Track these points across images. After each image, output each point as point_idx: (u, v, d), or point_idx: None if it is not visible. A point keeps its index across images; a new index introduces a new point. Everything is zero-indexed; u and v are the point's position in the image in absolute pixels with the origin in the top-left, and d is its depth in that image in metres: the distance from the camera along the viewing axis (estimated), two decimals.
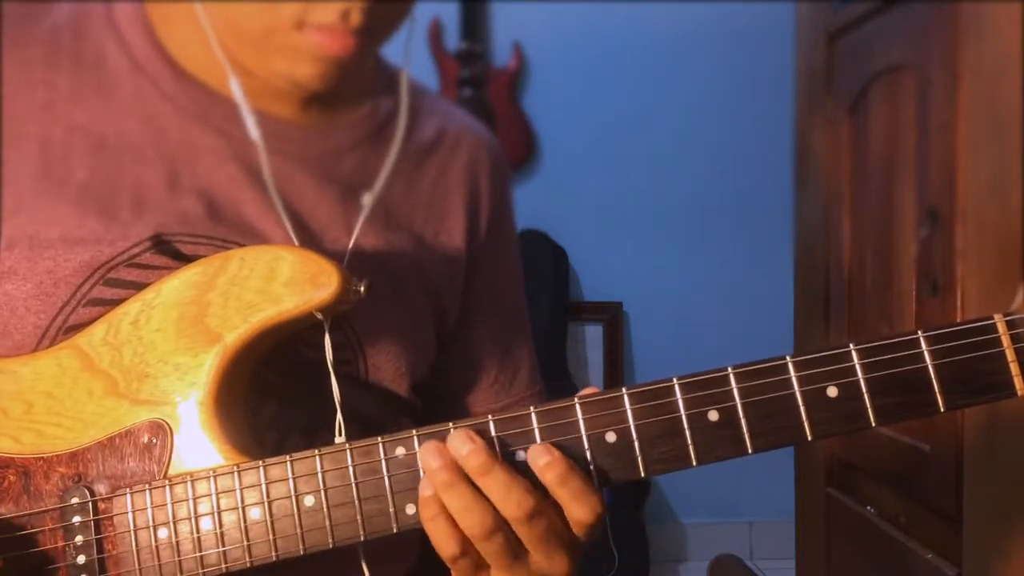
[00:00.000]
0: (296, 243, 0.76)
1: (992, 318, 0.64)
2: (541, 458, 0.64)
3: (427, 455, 0.64)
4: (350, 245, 0.79)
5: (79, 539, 0.67)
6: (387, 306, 0.81)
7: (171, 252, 0.74)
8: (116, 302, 0.72)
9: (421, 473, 0.66)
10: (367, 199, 0.79)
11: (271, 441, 0.76)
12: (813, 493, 1.79)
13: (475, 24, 2.81)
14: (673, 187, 2.88)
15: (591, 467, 0.65)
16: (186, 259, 0.74)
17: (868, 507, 1.60)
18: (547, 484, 0.65)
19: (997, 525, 1.24)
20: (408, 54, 0.81)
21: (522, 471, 0.65)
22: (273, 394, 0.77)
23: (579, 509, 0.65)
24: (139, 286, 0.72)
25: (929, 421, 1.37)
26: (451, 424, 0.66)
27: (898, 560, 1.46)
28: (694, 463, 0.65)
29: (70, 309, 0.72)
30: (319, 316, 0.71)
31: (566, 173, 2.88)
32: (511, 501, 0.64)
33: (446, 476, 0.64)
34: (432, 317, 0.86)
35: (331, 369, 0.73)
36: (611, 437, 0.65)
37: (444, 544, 0.65)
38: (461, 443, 0.64)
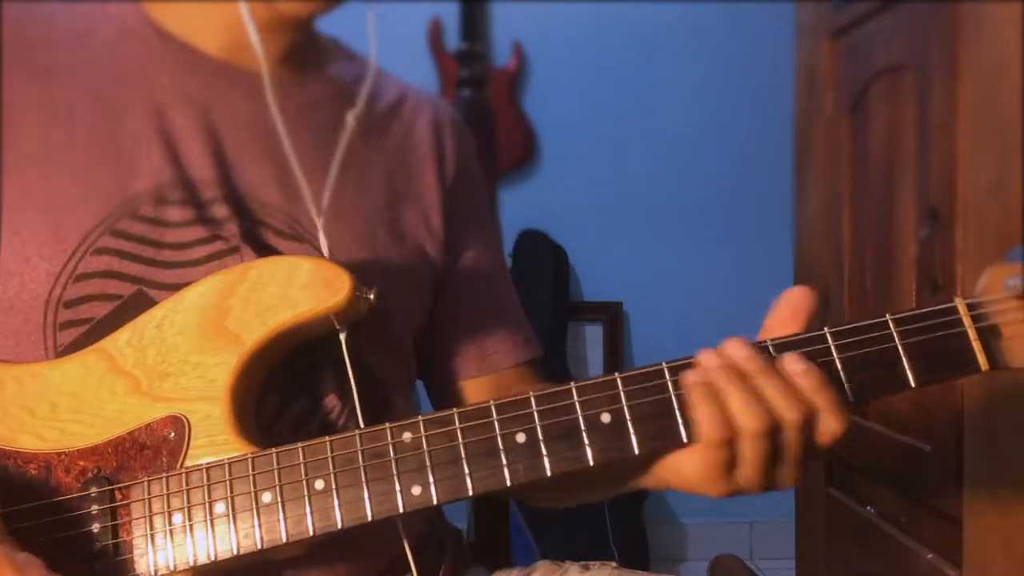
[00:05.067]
0: (296, 168, 0.81)
1: (953, 301, 0.70)
2: (799, 364, 0.67)
3: (706, 356, 0.69)
4: (327, 199, 0.82)
5: (96, 527, 0.70)
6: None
7: (172, 201, 0.78)
8: (121, 253, 0.76)
9: (428, 459, 0.69)
10: (350, 117, 0.84)
11: (286, 433, 0.78)
12: (813, 493, 1.79)
13: (475, 24, 2.80)
14: (673, 187, 2.88)
15: (586, 443, 0.69)
16: (180, 211, 0.78)
17: (868, 507, 1.60)
18: (804, 390, 0.67)
19: (997, 525, 1.24)
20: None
21: None
22: (294, 390, 0.79)
23: (832, 419, 0.68)
24: (140, 239, 0.77)
25: (929, 421, 1.37)
26: (454, 410, 0.70)
27: (898, 560, 1.46)
28: (685, 442, 0.70)
29: (79, 256, 0.76)
30: (336, 325, 0.75)
31: (566, 173, 2.88)
32: (788, 402, 0.67)
33: (727, 374, 0.67)
34: (417, 264, 0.90)
35: (350, 373, 0.76)
36: (606, 418, 0.70)
37: (711, 426, 0.68)
38: (739, 347, 0.69)
